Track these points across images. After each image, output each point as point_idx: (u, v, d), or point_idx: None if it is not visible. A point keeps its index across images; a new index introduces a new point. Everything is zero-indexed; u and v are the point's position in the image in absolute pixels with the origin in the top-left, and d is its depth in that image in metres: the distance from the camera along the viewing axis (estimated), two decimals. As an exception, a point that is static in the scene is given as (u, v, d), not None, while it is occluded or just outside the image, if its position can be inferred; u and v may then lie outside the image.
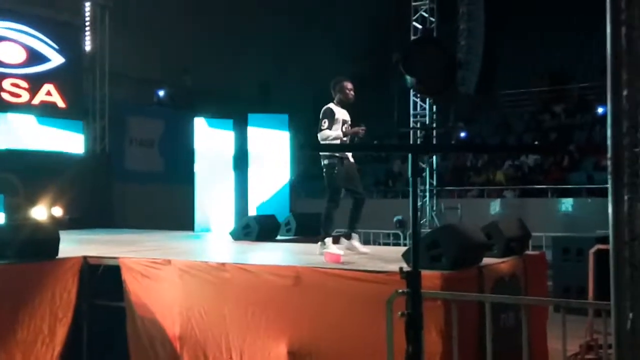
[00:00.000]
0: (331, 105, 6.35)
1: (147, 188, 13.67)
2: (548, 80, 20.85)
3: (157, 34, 15.68)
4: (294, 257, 6.38)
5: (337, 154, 6.06)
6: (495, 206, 17.41)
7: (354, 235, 6.54)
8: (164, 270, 5.79)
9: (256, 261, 5.84)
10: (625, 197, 2.30)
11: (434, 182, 14.96)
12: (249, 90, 17.19)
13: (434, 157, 13.87)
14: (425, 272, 4.79)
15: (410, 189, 2.81)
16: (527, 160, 17.82)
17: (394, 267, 4.99)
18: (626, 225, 2.30)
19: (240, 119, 11.02)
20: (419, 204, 14.81)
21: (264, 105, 13.49)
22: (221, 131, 10.90)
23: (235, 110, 11.63)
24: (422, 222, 14.27)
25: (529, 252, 6.57)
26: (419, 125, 11.61)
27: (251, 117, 10.92)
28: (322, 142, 6.00)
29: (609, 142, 2.31)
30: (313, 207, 12.15)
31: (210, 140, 10.89)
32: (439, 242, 4.98)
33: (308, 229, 9.42)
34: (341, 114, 6.33)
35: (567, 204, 16.39)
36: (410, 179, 2.77)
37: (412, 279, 2.81)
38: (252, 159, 10.90)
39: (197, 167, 10.85)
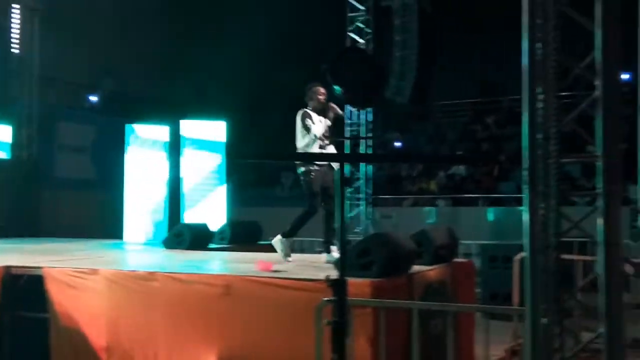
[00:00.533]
0: (307, 109, 6.29)
1: (78, 196, 13.28)
2: (480, 92, 21.45)
3: (89, 38, 15.29)
4: (225, 266, 6.32)
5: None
6: (428, 215, 17.74)
7: (333, 247, 6.31)
8: (90, 280, 5.63)
9: (187, 270, 5.75)
10: (540, 207, 2.40)
11: (370, 191, 15.12)
12: (184, 96, 16.95)
13: (370, 166, 14.04)
14: (355, 280, 4.89)
15: (338, 198, 2.83)
16: (459, 170, 18.26)
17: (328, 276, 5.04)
18: (540, 233, 2.39)
19: (175, 125, 10.85)
20: (355, 212, 15.02)
21: (199, 111, 13.32)
22: (155, 138, 10.71)
23: (170, 116, 11.45)
24: (357, 230, 14.40)
25: (458, 259, 6.71)
26: (350, 134, 11.77)
27: (186, 123, 10.76)
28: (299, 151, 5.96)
29: (524, 153, 2.40)
30: (249, 216, 12.11)
31: (144, 146, 10.68)
32: (369, 250, 5.04)
33: (243, 237, 9.36)
34: (317, 119, 6.26)
35: (496, 212, 16.84)
36: (339, 188, 2.79)
37: (338, 287, 2.83)
38: (186, 165, 10.72)
39: (129, 175, 10.61)
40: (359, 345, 4.62)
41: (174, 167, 10.72)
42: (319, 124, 6.23)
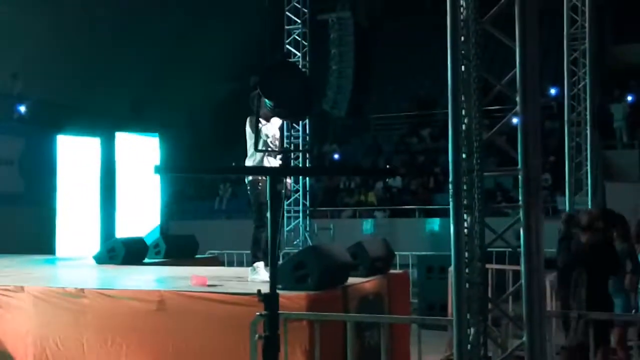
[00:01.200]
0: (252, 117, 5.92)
1: (5, 210, 12.78)
2: (416, 106, 21.88)
3: (18, 47, 14.80)
4: (159, 281, 6.19)
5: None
6: (366, 226, 17.92)
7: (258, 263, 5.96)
8: (15, 297, 5.42)
9: (119, 286, 5.61)
10: (465, 219, 2.46)
11: (307, 203, 15.16)
12: (118, 108, 16.59)
13: (307, 178, 14.08)
14: (290, 294, 4.89)
15: (269, 212, 2.83)
16: (396, 182, 18.56)
17: (262, 289, 5.01)
18: (466, 245, 2.45)
19: (108, 138, 10.60)
20: (293, 224, 15.01)
21: (134, 123, 13.06)
22: (87, 150, 10.43)
23: (103, 129, 11.18)
24: (295, 242, 14.40)
25: (393, 271, 6.79)
26: (286, 147, 11.77)
27: (120, 135, 10.53)
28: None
29: (450, 167, 2.46)
30: (186, 230, 11.94)
31: (76, 159, 10.38)
32: (305, 263, 5.04)
33: (178, 251, 9.21)
34: (268, 129, 5.88)
35: (433, 223, 17.16)
36: (269, 202, 2.79)
37: (269, 301, 2.82)
38: (120, 179, 10.48)
39: (60, 188, 10.29)
40: (295, 358, 4.62)
41: (107, 180, 10.46)
42: (269, 126, 5.89)
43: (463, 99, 2.44)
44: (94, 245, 9.78)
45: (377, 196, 18.82)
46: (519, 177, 2.27)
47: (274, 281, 2.83)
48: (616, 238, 6.10)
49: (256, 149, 5.36)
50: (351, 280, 5.59)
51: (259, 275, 5.68)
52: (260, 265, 5.76)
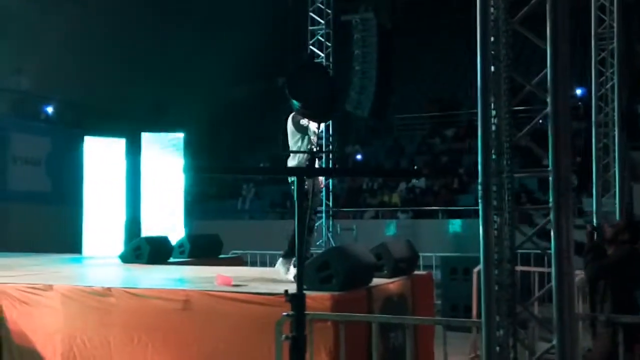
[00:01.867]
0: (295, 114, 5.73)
1: (33, 209, 12.98)
2: (439, 106, 21.76)
3: (44, 47, 15.01)
4: (185, 281, 6.23)
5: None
6: (390, 227, 17.87)
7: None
8: (44, 296, 5.49)
9: (145, 285, 5.66)
10: (494, 220, 2.44)
11: (330, 204, 15.16)
12: (142, 109, 16.75)
13: (330, 179, 14.08)
14: (315, 294, 4.89)
15: (296, 212, 2.83)
16: (420, 183, 18.47)
17: (290, 290, 5.02)
18: (495, 246, 2.43)
19: (134, 138, 10.71)
20: (316, 225, 15.01)
21: (157, 124, 13.17)
22: (113, 151, 10.54)
23: (128, 129, 11.30)
24: (318, 243, 14.40)
25: (417, 272, 6.77)
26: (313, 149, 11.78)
27: (145, 136, 10.62)
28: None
29: (479, 168, 2.44)
30: (209, 229, 12.01)
31: (102, 159, 10.50)
32: (329, 264, 5.03)
33: (203, 251, 9.27)
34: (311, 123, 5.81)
35: (456, 225, 17.06)
36: (296, 202, 2.80)
37: (296, 301, 2.82)
38: (145, 179, 10.57)
39: (87, 188, 10.41)
40: (320, 359, 4.62)
41: (132, 180, 10.57)
42: (312, 125, 5.77)
43: (493, 99, 2.41)
44: (119, 245, 9.89)
45: (401, 197, 18.75)
46: (550, 177, 2.25)
47: (300, 281, 2.84)
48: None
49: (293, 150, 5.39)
50: (375, 281, 5.58)
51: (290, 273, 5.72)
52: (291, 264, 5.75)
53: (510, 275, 2.31)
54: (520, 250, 8.56)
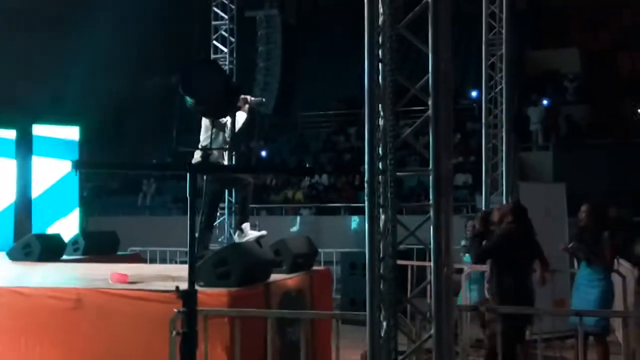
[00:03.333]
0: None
1: None
2: (344, 104, 22.11)
3: None
4: (77, 278, 6.03)
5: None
6: (293, 223, 18.00)
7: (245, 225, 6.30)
8: None
9: (34, 283, 5.44)
10: (379, 217, 2.54)
11: (233, 200, 15.06)
12: (38, 100, 16.00)
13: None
14: (212, 290, 4.89)
15: (189, 209, 2.83)
16: (322, 180, 18.73)
17: (183, 286, 4.98)
18: (380, 242, 2.54)
19: (25, 129, 10.22)
20: (218, 221, 14.87)
21: (54, 116, 12.60)
22: (3, 143, 10.03)
23: (21, 120, 10.77)
24: (220, 239, 14.30)
25: (317, 267, 6.87)
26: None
27: (37, 128, 10.18)
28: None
29: (366, 167, 2.54)
30: (108, 226, 11.65)
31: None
32: (227, 260, 5.03)
33: (98, 248, 8.96)
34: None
35: (357, 221, 17.42)
36: (189, 199, 2.79)
37: (187, 298, 2.83)
38: (36, 173, 10.13)
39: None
40: (216, 355, 4.61)
41: (22, 173, 10.09)
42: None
43: (379, 102, 2.52)
44: (8, 241, 9.43)
45: (304, 194, 18.94)
46: (430, 177, 2.37)
47: (192, 278, 2.84)
48: None
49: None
50: (274, 277, 5.63)
51: (249, 235, 6.01)
52: (246, 226, 6.04)
53: (393, 270, 2.42)
54: (415, 246, 8.92)
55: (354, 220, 17.57)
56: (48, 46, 16.25)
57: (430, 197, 2.37)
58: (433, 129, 2.39)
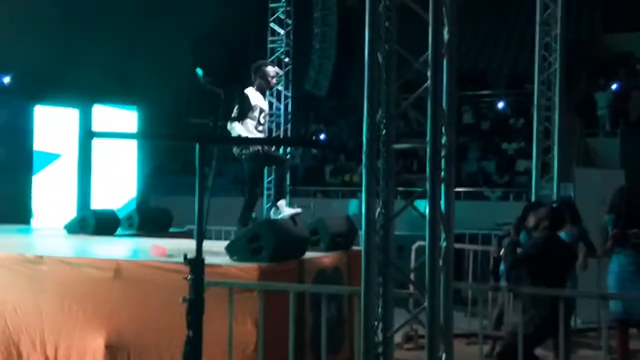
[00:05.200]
0: (249, 90, 5.97)
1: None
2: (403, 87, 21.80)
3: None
4: (120, 251, 6.26)
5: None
6: (352, 206, 17.98)
7: (281, 202, 6.42)
8: (-25, 263, 5.49)
9: (78, 254, 5.69)
10: (377, 189, 2.54)
11: (288, 181, 15.19)
12: (100, 79, 16.49)
13: (288, 157, 14.09)
14: (243, 265, 4.98)
15: (197, 180, 2.90)
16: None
17: (221, 260, 5.10)
18: (376, 214, 2.53)
19: (86, 109, 10.61)
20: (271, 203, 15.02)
21: (115, 95, 12.98)
22: (65, 121, 10.46)
23: (82, 99, 11.17)
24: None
25: (356, 247, 6.88)
26: (268, 125, 11.85)
27: (97, 108, 10.55)
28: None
29: (364, 139, 2.53)
30: (169, 205, 11.97)
31: (54, 129, 10.41)
32: (260, 236, 5.12)
33: (152, 224, 9.25)
34: (258, 100, 6.04)
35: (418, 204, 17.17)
36: (197, 169, 2.86)
37: (195, 266, 2.90)
38: (96, 151, 10.51)
39: (37, 159, 10.33)
40: (245, 329, 4.71)
41: (84, 151, 10.49)
42: (260, 98, 6.06)
43: (384, 75, 2.50)
44: (70, 216, 9.85)
45: (361, 177, 18.88)
46: (427, 149, 2.34)
47: (200, 247, 2.91)
48: (567, 224, 6.19)
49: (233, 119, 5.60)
50: (309, 254, 5.68)
51: (284, 212, 6.15)
52: (282, 203, 6.19)
53: (385, 240, 2.41)
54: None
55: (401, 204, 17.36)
56: (108, 24, 16.65)
57: (427, 169, 2.34)
58: (431, 101, 2.35)
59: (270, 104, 13.64)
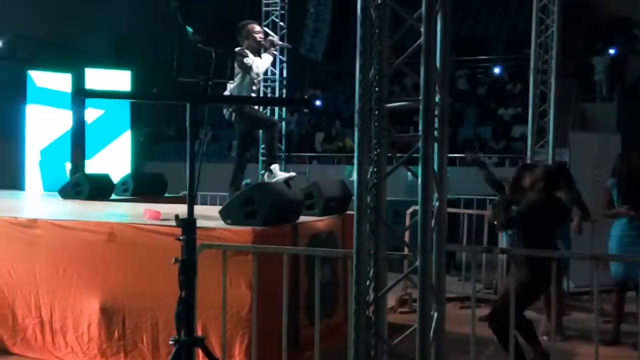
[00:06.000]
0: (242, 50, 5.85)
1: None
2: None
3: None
4: (115, 215, 6.25)
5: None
6: (349, 171, 17.97)
7: (274, 166, 6.34)
8: (-32, 226, 5.48)
9: (72, 217, 5.67)
10: (370, 149, 2.51)
11: (283, 147, 15.15)
12: (97, 44, 16.33)
13: (283, 123, 14.04)
14: (237, 228, 4.97)
15: (188, 141, 2.87)
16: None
17: (215, 224, 5.09)
18: (368, 172, 2.50)
19: (79, 73, 10.49)
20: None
21: (111, 60, 12.86)
22: (59, 85, 10.34)
23: (77, 64, 11.05)
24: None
25: (350, 212, 6.88)
26: (263, 92, 11.72)
27: (90, 72, 10.43)
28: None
29: (356, 96, 2.48)
30: (163, 171, 11.95)
31: (47, 94, 10.31)
32: (254, 199, 5.10)
33: (147, 189, 9.23)
34: (254, 58, 5.87)
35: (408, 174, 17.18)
36: (188, 129, 2.82)
37: (186, 227, 2.88)
38: (90, 116, 10.43)
39: (30, 124, 10.25)
40: (240, 291, 4.73)
41: (77, 116, 10.41)
42: (260, 61, 5.90)
43: (377, 31, 2.45)
44: (63, 181, 9.81)
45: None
46: (420, 107, 2.31)
47: (191, 208, 2.89)
48: (562, 188, 6.19)
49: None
50: (303, 218, 5.68)
51: (278, 176, 6.11)
52: (275, 167, 6.14)
53: (373, 201, 2.39)
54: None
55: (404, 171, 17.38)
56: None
57: (420, 127, 2.31)
58: (424, 57, 2.31)
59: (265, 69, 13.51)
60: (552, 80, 8.24)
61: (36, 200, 8.36)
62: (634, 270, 5.24)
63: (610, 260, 5.27)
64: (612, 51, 18.39)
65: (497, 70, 19.99)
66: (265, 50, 6.01)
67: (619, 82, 17.59)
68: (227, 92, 5.90)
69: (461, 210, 7.99)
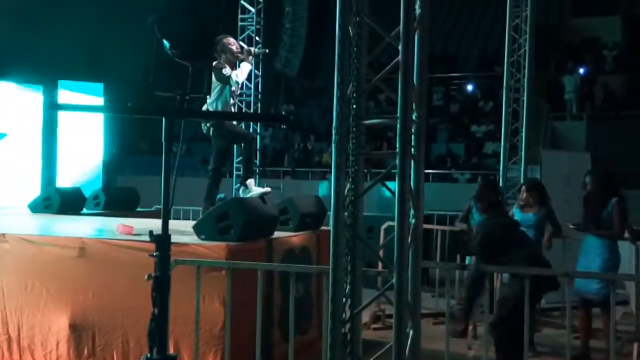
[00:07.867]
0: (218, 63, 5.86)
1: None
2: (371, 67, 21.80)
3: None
4: (85, 229, 6.15)
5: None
6: (322, 187, 17.98)
7: (250, 181, 6.28)
8: None
9: (42, 233, 5.57)
10: (347, 165, 2.51)
11: (257, 162, 15.12)
12: (66, 56, 16.15)
13: (258, 137, 14.03)
14: (211, 244, 4.93)
15: (163, 156, 2.83)
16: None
17: (189, 239, 5.04)
18: (345, 190, 2.50)
19: (51, 86, 10.35)
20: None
21: (82, 72, 12.68)
22: (29, 98, 10.18)
23: (47, 76, 10.90)
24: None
25: (325, 227, 6.86)
26: (237, 106, 11.69)
27: (62, 84, 10.29)
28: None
29: (334, 114, 2.48)
30: (137, 185, 11.83)
31: (17, 107, 10.13)
32: (228, 214, 5.06)
33: (119, 203, 9.12)
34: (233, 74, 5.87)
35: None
36: (164, 144, 2.79)
37: (160, 243, 2.84)
38: (62, 129, 10.28)
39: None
40: (213, 308, 4.67)
41: (49, 126, 10.25)
42: (239, 72, 5.89)
43: (355, 49, 2.46)
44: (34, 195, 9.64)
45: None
46: (397, 125, 2.31)
47: (166, 224, 2.85)
48: (533, 204, 6.26)
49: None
50: (278, 234, 5.64)
51: (253, 191, 6.01)
52: (250, 182, 6.08)
53: (350, 217, 2.39)
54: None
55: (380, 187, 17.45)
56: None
57: (397, 145, 2.31)
58: (402, 75, 2.32)
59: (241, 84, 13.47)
60: (524, 99, 8.37)
61: (5, 214, 8.17)
62: (585, 286, 5.37)
63: (580, 277, 5.33)
64: (581, 70, 18.77)
65: (469, 87, 20.26)
66: (243, 60, 6.01)
67: (589, 101, 17.96)
68: (204, 107, 5.87)
69: (435, 227, 8.04)
